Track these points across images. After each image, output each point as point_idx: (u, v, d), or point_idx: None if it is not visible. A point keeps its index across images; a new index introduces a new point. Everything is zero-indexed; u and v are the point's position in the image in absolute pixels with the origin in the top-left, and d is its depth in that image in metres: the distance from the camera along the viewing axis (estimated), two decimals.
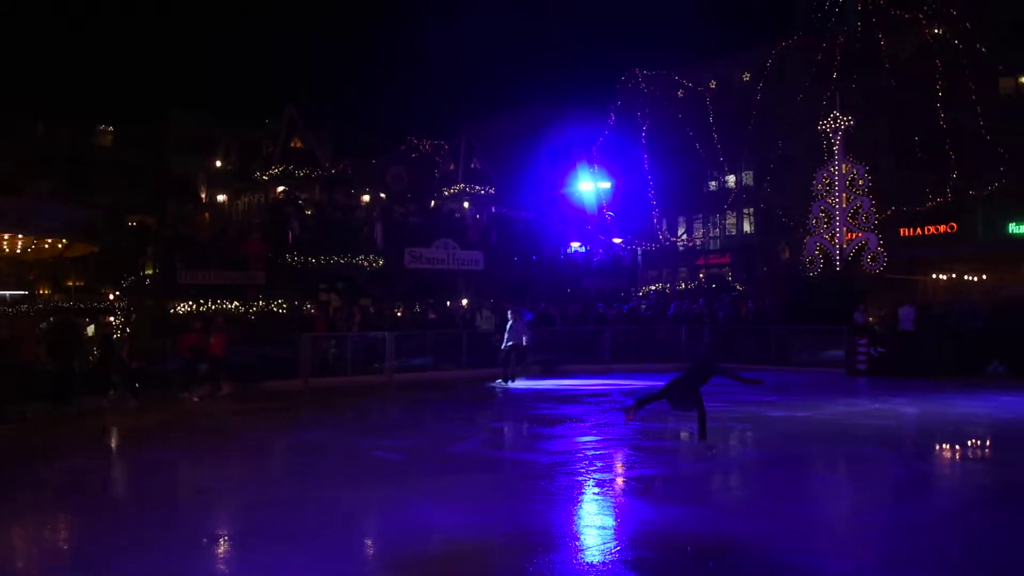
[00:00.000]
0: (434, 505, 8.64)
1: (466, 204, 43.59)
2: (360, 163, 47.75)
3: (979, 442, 12.65)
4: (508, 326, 21.51)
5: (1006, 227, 44.28)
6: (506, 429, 15.07)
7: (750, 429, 13.84)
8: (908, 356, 22.63)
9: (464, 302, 30.01)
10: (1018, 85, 44.34)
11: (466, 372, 23.42)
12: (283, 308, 25.46)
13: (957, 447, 12.13)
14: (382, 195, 43.03)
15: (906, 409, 15.77)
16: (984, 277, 41.22)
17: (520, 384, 21.10)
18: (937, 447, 12.21)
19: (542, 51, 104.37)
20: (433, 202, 43.86)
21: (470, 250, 31.46)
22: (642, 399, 12.27)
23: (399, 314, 26.96)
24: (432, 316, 27.05)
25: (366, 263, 29.08)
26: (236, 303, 25.21)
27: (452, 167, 44.99)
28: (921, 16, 40.46)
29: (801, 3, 49.75)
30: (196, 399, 18.69)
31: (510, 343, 21.30)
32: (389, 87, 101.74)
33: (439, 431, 14.15)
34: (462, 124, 53.44)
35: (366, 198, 41.87)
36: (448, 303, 29.78)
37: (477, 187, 45.01)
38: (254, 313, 25.24)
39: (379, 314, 25.70)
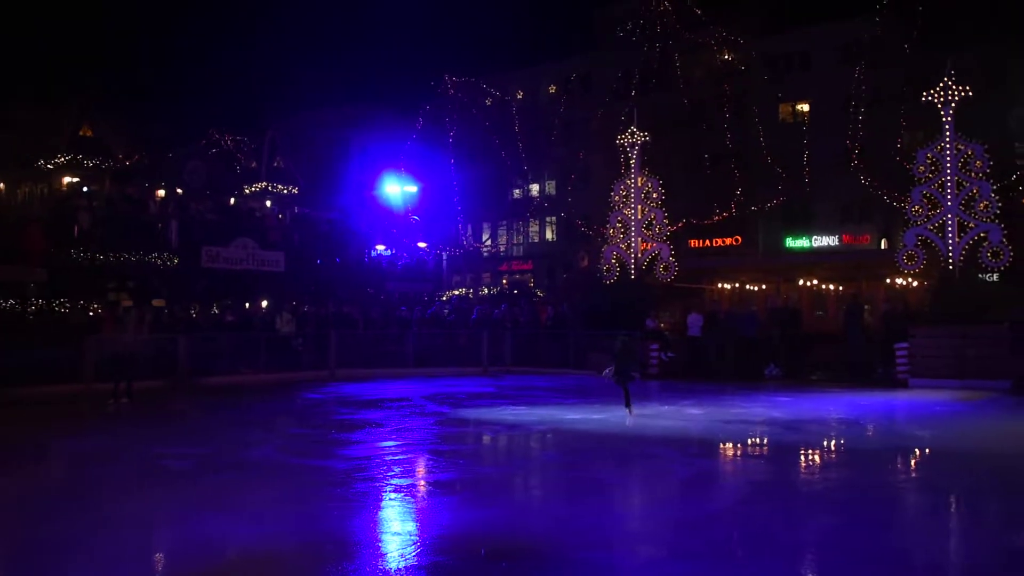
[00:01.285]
0: (224, 514, 8.28)
1: (268, 203, 42.41)
2: (156, 156, 45.35)
3: (756, 440, 13.53)
4: None
5: (784, 241, 47.84)
6: (303, 435, 14.67)
7: (548, 431, 14.16)
8: (696, 360, 23.99)
9: (264, 304, 29.10)
10: (795, 111, 48.02)
11: (265, 376, 22.66)
12: (66, 308, 23.74)
13: (737, 445, 12.90)
14: (179, 190, 41.08)
15: (692, 410, 16.63)
16: (764, 287, 44.25)
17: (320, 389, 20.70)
18: (719, 446, 12.95)
19: (354, 50, 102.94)
20: (233, 200, 42.35)
21: (271, 250, 30.60)
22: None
23: (194, 316, 25.79)
24: (230, 318, 26.06)
25: (160, 262, 27.64)
26: (12, 301, 23.28)
27: (255, 164, 43.59)
28: (713, 42, 43.05)
29: (603, 22, 51.64)
30: None
31: None
32: (193, 79, 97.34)
33: (233, 437, 13.62)
34: (267, 121, 51.92)
35: (161, 193, 39.81)
36: (247, 305, 28.79)
37: (280, 186, 43.89)
38: (33, 313, 23.39)
39: (173, 316, 24.49)
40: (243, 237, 29.97)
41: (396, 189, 45.54)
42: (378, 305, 29.58)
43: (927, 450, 12.39)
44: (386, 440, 13.13)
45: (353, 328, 25.87)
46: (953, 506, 9.04)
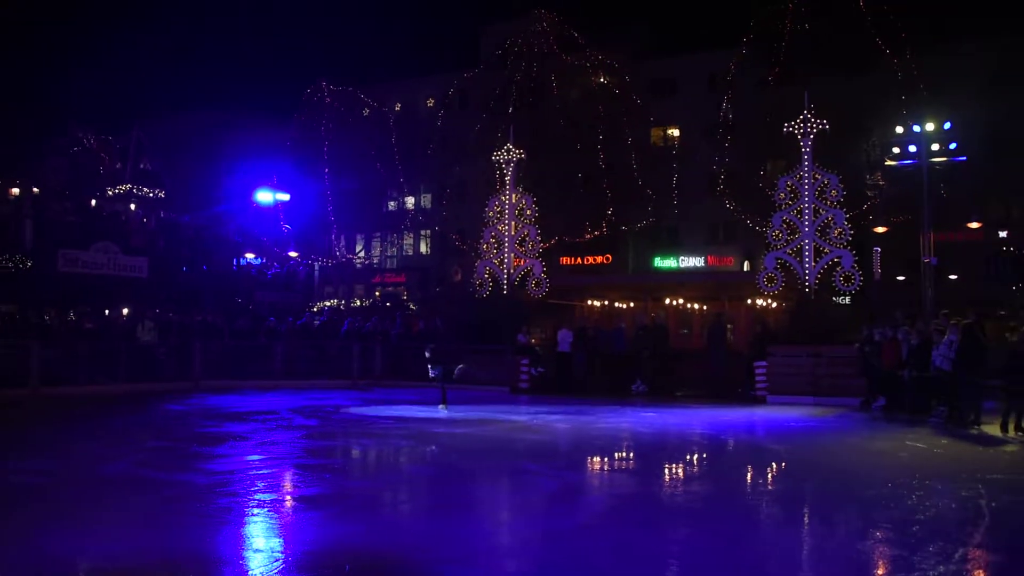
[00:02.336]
0: (78, 532, 7.87)
1: (133, 206, 40.77)
2: (11, 152, 42.98)
3: (622, 454, 13.82)
4: None
5: (653, 261, 49.24)
6: (163, 448, 14.09)
7: (417, 445, 14.08)
8: (565, 376, 24.34)
9: (125, 311, 27.92)
10: (666, 136, 49.60)
11: (125, 387, 21.68)
12: None
13: (604, 459, 13.15)
14: (35, 189, 39.04)
15: (560, 425, 16.85)
16: (633, 305, 45.39)
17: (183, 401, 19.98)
18: (586, 460, 13.17)
19: (229, 52, 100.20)
20: (95, 201, 40.54)
21: (134, 256, 29.40)
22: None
23: (49, 322, 24.51)
24: (88, 325, 24.87)
25: (11, 264, 26.14)
26: None
27: (119, 165, 41.89)
28: (588, 65, 44.04)
29: (487, 39, 52.08)
30: None
31: None
32: (57, 72, 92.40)
33: (89, 451, 12.97)
34: (135, 121, 49.87)
35: (15, 191, 37.75)
36: (107, 312, 27.56)
37: (146, 189, 42.30)
38: None
39: (25, 321, 23.21)
40: (104, 241, 28.70)
41: (268, 197, 44.56)
42: (247, 315, 28.82)
43: (783, 463, 12.94)
44: (251, 454, 12.77)
45: (219, 338, 25.11)
46: (806, 516, 9.46)
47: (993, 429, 15.52)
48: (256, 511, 8.83)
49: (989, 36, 39.37)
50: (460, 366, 18.31)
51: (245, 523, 8.40)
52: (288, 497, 9.86)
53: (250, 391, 22.43)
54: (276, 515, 8.80)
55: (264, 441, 14.14)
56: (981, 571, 7.01)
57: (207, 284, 31.46)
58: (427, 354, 18.23)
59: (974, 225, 39.59)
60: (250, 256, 41.84)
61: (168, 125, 56.48)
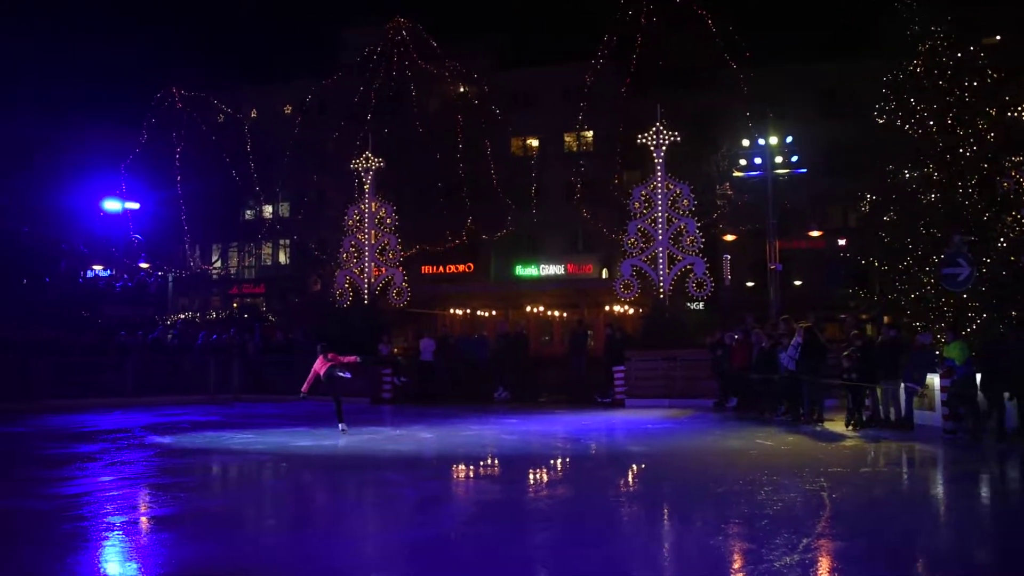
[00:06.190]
0: None
1: None
2: None
3: (486, 461, 13.91)
4: None
5: (513, 269, 49.78)
6: None
7: (281, 460, 13.78)
8: (428, 385, 24.32)
9: None
10: (525, 146, 50.29)
11: None
12: None
13: (468, 467, 13.21)
14: None
15: (424, 434, 16.80)
16: (495, 312, 45.73)
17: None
18: (451, 468, 13.19)
19: (72, 48, 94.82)
20: None
21: None
22: None
23: None
24: None
25: None
26: None
27: None
28: (447, 74, 44.19)
29: (344, 45, 51.45)
30: None
31: None
32: None
33: None
34: None
35: None
36: None
37: None
38: None
39: None
40: None
41: (116, 206, 42.63)
42: (94, 329, 27.45)
43: (642, 464, 13.32)
44: (101, 475, 12.16)
45: (63, 354, 23.81)
46: (664, 514, 9.79)
47: (835, 425, 16.47)
48: (106, 535, 8.42)
49: (826, 53, 41.91)
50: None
51: (94, 548, 7.96)
52: (141, 518, 9.45)
53: (99, 409, 21.33)
54: (127, 538, 8.39)
55: (114, 461, 13.50)
56: (824, 558, 7.42)
57: (50, 297, 29.79)
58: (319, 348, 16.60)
59: (815, 233, 41.93)
60: (98, 268, 39.90)
61: (3, 130, 53.15)
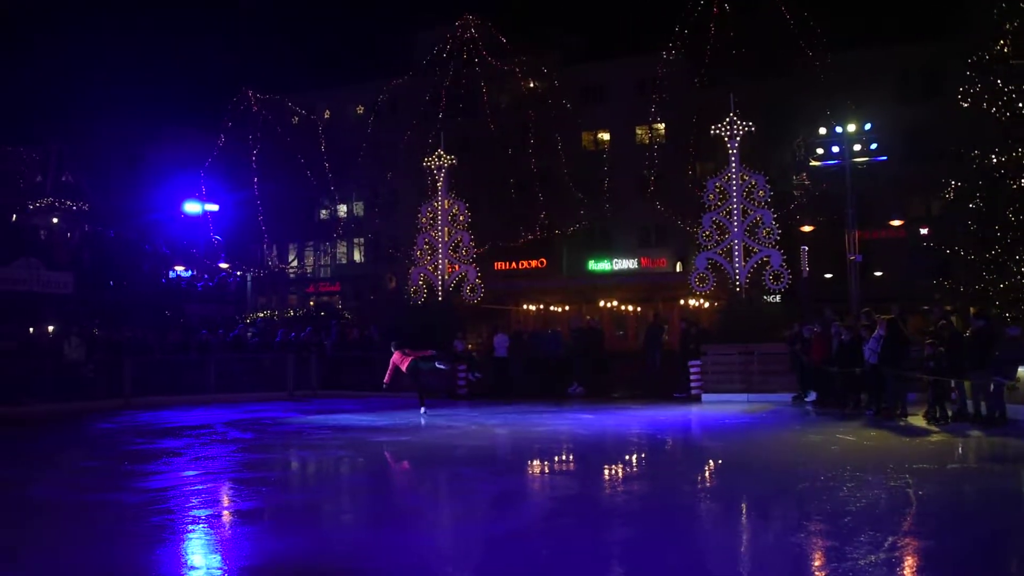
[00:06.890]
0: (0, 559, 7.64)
1: (55, 220, 39.65)
2: None
3: (562, 457, 13.88)
4: None
5: (586, 264, 49.62)
6: (93, 468, 13.71)
7: (357, 455, 13.96)
8: (502, 380, 24.38)
9: (51, 329, 27.11)
10: (596, 140, 50.07)
11: (52, 406, 21.02)
12: None
13: (544, 462, 13.20)
14: None
15: (499, 430, 16.85)
16: (567, 308, 45.66)
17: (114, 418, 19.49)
18: (526, 463, 13.20)
19: (152, 61, 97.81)
20: (15, 216, 39.33)
21: (58, 271, 28.59)
22: None
23: None
24: (11, 344, 24.09)
25: None
26: None
27: (40, 179, 40.71)
28: (518, 71, 44.20)
29: (417, 46, 51.85)
30: None
31: None
32: None
33: (13, 475, 12.54)
34: (56, 133, 48.46)
35: None
36: (31, 329, 26.74)
37: (69, 203, 41.17)
38: None
39: None
40: (26, 256, 27.86)
41: (196, 208, 43.74)
42: (177, 328, 28.22)
43: (719, 460, 13.14)
44: (185, 470, 12.51)
45: (149, 353, 24.55)
46: (743, 511, 9.62)
47: (918, 420, 16.00)
48: (191, 528, 8.65)
49: (906, 36, 40.72)
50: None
51: (180, 541, 8.21)
52: (225, 512, 9.68)
53: (183, 406, 21.95)
54: (212, 531, 8.63)
55: (199, 456, 13.86)
56: (910, 557, 7.21)
57: (136, 298, 30.72)
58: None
59: (896, 223, 40.80)
60: (180, 268, 41.01)
61: (90, 136, 55.08)
